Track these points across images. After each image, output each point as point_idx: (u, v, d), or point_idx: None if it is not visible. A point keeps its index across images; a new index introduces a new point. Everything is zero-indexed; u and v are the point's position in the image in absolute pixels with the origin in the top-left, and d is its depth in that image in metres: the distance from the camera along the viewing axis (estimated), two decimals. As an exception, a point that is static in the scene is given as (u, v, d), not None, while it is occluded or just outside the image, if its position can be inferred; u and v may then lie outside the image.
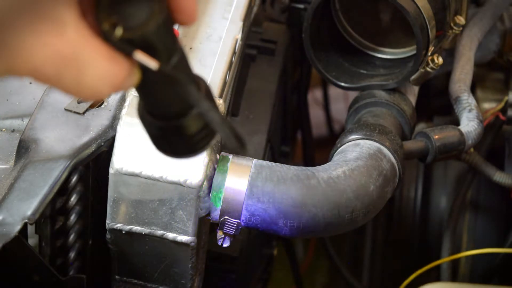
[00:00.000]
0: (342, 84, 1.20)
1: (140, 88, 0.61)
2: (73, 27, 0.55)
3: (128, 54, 0.57)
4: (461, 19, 1.20)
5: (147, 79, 0.60)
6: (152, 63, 0.58)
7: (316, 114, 2.05)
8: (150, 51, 0.58)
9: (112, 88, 0.58)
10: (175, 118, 0.63)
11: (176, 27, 0.62)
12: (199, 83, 0.63)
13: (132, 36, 0.56)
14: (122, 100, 0.99)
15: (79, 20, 0.56)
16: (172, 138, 0.65)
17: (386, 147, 1.05)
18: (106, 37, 0.57)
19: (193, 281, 0.99)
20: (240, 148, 0.61)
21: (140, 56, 0.57)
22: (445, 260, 1.40)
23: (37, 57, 0.55)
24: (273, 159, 1.32)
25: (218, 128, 0.61)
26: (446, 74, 1.34)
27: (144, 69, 0.59)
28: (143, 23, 0.57)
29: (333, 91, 2.07)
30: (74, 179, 0.93)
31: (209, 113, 0.61)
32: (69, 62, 0.55)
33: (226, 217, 0.94)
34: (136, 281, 1.01)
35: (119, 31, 0.56)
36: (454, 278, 1.46)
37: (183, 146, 0.65)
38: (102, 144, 0.94)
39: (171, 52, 0.59)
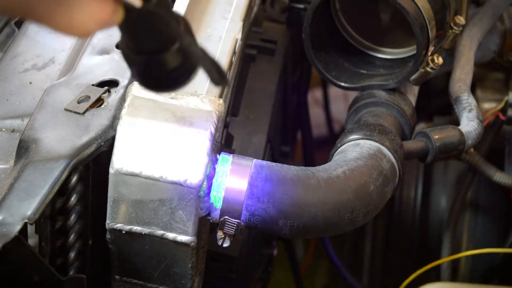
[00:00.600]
0: (342, 84, 1.20)
1: (123, 26, 0.65)
2: None
3: None
4: (461, 19, 1.20)
5: (130, 16, 0.64)
6: (135, 1, 0.63)
7: (316, 114, 2.06)
8: None
9: (99, 24, 0.63)
10: (156, 54, 0.67)
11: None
12: (179, 19, 0.67)
13: None
14: (122, 100, 0.99)
15: None
16: (154, 73, 0.69)
17: (386, 147, 1.05)
18: None
19: (193, 281, 0.99)
20: (221, 81, 0.65)
21: None
22: (445, 260, 1.40)
23: None
24: (273, 159, 1.32)
25: (200, 61, 0.66)
26: (446, 74, 1.35)
27: (127, 7, 0.63)
28: None
29: (333, 91, 2.07)
30: (74, 179, 0.93)
31: (190, 47, 0.66)
32: (61, 0, 0.60)
33: (226, 217, 0.94)
34: (136, 281, 1.01)
35: None
36: (454, 278, 1.46)
37: (165, 80, 0.70)
38: (102, 144, 0.94)
39: None
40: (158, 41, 0.67)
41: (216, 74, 0.66)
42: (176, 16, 0.68)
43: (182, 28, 0.67)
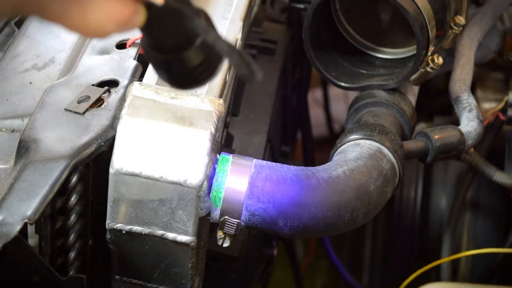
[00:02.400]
0: (342, 84, 1.20)
1: (145, 26, 0.63)
2: None
3: None
4: (461, 19, 1.20)
5: (152, 16, 0.62)
6: None
7: (316, 114, 2.05)
8: None
9: (117, 25, 0.60)
10: (178, 51, 0.65)
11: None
12: (199, 13, 0.65)
13: None
14: (122, 100, 0.99)
15: None
16: (176, 71, 0.68)
17: (386, 147, 1.05)
18: None
19: (193, 281, 0.99)
20: (250, 75, 0.63)
21: None
22: (445, 260, 1.40)
23: None
24: (273, 159, 1.32)
25: (228, 55, 0.64)
26: (446, 74, 1.35)
27: (149, 5, 0.61)
28: None
29: (333, 91, 2.08)
30: (74, 179, 0.93)
31: (217, 42, 0.64)
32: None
33: (226, 217, 0.94)
34: (136, 281, 1.01)
35: None
36: (454, 278, 1.46)
37: (187, 77, 0.69)
38: (102, 144, 0.94)
39: None
40: (182, 38, 0.65)
41: (246, 69, 0.63)
42: (197, 10, 0.66)
43: (204, 22, 0.65)
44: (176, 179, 0.89)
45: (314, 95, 2.16)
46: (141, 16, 0.61)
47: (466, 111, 1.19)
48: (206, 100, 0.93)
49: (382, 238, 1.68)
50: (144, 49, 0.68)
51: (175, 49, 0.66)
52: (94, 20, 0.59)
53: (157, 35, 0.65)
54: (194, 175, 0.89)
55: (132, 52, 1.06)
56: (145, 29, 0.64)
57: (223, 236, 0.96)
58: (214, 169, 0.93)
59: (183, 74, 0.68)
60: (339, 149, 1.07)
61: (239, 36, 1.09)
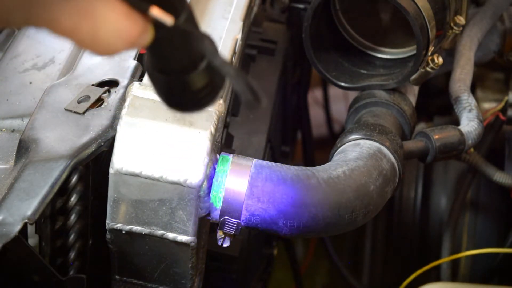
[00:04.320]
0: (342, 84, 1.20)
1: (152, 46, 0.62)
2: None
3: (143, 11, 0.59)
4: (461, 19, 1.20)
5: (160, 35, 0.61)
6: (167, 19, 0.59)
7: (316, 114, 2.05)
8: (163, 7, 0.59)
9: (126, 44, 0.60)
10: (183, 74, 0.65)
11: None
12: (205, 38, 0.65)
13: None
14: (122, 100, 0.99)
15: None
16: (180, 93, 0.67)
17: (386, 147, 1.05)
18: None
19: (193, 281, 0.99)
20: (255, 102, 0.62)
21: (157, 12, 0.59)
22: (445, 260, 1.40)
23: (55, 8, 0.57)
24: (273, 159, 1.32)
25: (234, 80, 0.63)
26: (446, 74, 1.35)
27: (158, 25, 0.60)
28: None
29: (333, 91, 2.07)
30: (74, 179, 0.93)
31: (223, 66, 0.63)
32: (86, 15, 0.58)
33: (226, 217, 0.94)
34: (136, 281, 1.01)
35: None
36: (454, 278, 1.46)
37: (189, 100, 0.68)
38: (102, 144, 0.94)
39: (181, 8, 0.61)
40: (187, 60, 0.64)
41: (250, 95, 0.61)
42: (204, 34, 0.64)
43: (209, 44, 0.64)
44: (176, 179, 0.89)
45: (314, 95, 2.16)
46: (149, 35, 0.61)
47: (466, 111, 1.19)
48: (206, 100, 0.93)
49: (382, 238, 1.68)
50: (147, 69, 0.66)
51: (179, 71, 0.65)
52: (103, 37, 0.59)
53: (163, 55, 0.64)
54: (194, 175, 0.89)
55: (132, 52, 1.06)
56: (151, 48, 0.63)
57: (223, 236, 0.96)
58: (214, 169, 0.93)
59: (185, 97, 0.67)
60: (339, 149, 1.07)
61: (239, 36, 1.09)
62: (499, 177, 1.32)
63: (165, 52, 0.63)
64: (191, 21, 0.62)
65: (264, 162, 0.97)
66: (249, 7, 1.18)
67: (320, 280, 2.05)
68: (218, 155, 0.95)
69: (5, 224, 0.83)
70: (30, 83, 1.07)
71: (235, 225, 0.94)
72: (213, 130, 0.91)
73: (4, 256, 0.81)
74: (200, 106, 0.68)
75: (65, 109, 0.98)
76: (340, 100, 2.14)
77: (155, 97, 0.92)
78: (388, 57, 1.23)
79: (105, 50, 0.60)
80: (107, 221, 0.94)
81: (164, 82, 0.66)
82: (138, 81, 1.00)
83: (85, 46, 0.60)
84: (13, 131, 1.01)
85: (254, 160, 0.97)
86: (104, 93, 1.00)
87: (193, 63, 0.64)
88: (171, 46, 0.63)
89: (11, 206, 0.86)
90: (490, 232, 1.51)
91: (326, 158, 1.08)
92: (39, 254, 0.88)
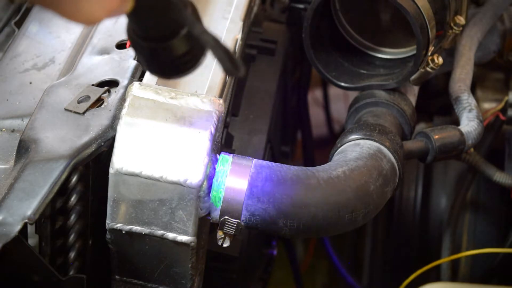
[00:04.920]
0: (342, 84, 1.20)
1: (132, 14, 0.64)
2: None
3: None
4: (461, 19, 1.20)
5: (140, 3, 0.63)
6: None
7: (316, 114, 2.05)
8: None
9: (107, 12, 0.62)
10: (164, 40, 0.66)
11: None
12: (186, 4, 0.66)
13: None
14: (122, 100, 0.99)
15: None
16: (162, 59, 0.68)
17: (386, 147, 1.05)
18: None
19: (193, 281, 0.99)
20: (234, 70, 0.64)
21: None
22: (445, 260, 1.40)
23: None
24: (273, 159, 1.32)
25: (212, 49, 0.65)
26: (446, 74, 1.34)
27: None
28: None
29: (333, 91, 2.07)
30: (74, 179, 0.93)
31: (203, 35, 0.65)
32: None
33: (226, 217, 0.94)
34: (136, 281, 1.01)
35: None
36: (454, 278, 1.46)
37: (172, 66, 0.69)
38: (102, 144, 0.94)
39: None
40: (167, 27, 0.66)
41: (229, 63, 0.64)
42: (185, 1, 0.66)
43: (190, 14, 0.66)
44: (176, 179, 0.89)
45: (314, 95, 2.16)
46: (129, 2, 0.62)
47: (466, 111, 1.19)
48: (206, 100, 0.93)
49: (382, 238, 1.68)
50: (130, 36, 0.68)
51: (160, 38, 0.66)
52: (85, 7, 0.60)
53: (144, 22, 0.66)
54: (194, 175, 0.89)
55: (132, 52, 1.06)
56: (132, 16, 0.65)
57: (223, 236, 0.96)
58: (214, 169, 0.93)
59: (167, 63, 0.69)
60: (339, 149, 1.07)
61: (239, 36, 1.09)
62: (499, 177, 1.32)
63: (145, 19, 0.65)
64: None
65: (264, 162, 0.97)
66: (249, 7, 1.18)
67: (320, 280, 2.05)
68: (218, 155, 0.95)
69: (5, 224, 0.83)
70: (30, 83, 1.08)
71: (235, 225, 0.94)
72: (213, 130, 0.91)
73: (4, 256, 0.81)
74: (180, 72, 0.70)
75: (65, 109, 0.98)
76: (340, 100, 2.14)
77: (155, 97, 0.93)
78: (388, 57, 1.23)
79: (87, 19, 0.62)
80: (107, 221, 0.94)
81: (145, 48, 0.67)
82: (138, 81, 1.00)
83: (67, 16, 0.61)
84: (13, 131, 1.01)
85: (254, 160, 0.97)
86: (104, 93, 1.00)
87: (173, 31, 0.66)
88: (150, 14, 0.64)
89: (11, 206, 0.86)
90: (490, 232, 1.51)
91: (326, 158, 1.08)
92: (39, 254, 0.88)
